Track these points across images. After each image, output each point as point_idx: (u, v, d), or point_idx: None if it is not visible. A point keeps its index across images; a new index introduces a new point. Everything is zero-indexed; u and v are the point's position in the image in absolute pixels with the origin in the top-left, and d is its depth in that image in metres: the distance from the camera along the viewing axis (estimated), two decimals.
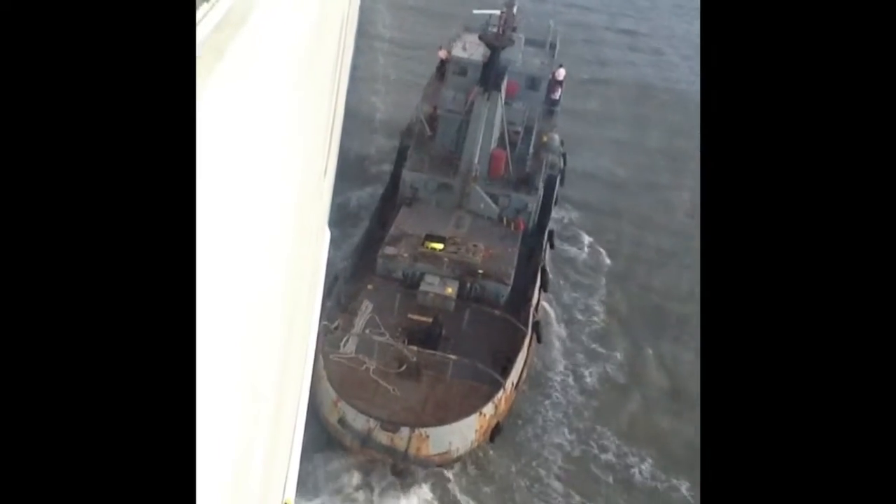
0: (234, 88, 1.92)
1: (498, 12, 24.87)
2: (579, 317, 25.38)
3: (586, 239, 29.68)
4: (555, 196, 27.56)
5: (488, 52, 23.96)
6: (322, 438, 17.38)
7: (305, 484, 16.78)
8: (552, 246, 26.63)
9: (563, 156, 29.25)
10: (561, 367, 22.88)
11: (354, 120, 29.52)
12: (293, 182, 3.76)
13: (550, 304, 25.06)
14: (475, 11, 26.38)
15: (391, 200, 25.65)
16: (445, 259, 22.29)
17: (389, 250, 22.46)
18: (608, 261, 28.62)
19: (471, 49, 26.53)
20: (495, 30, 24.71)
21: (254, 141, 2.29)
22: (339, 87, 7.30)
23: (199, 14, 1.81)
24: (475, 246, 23.19)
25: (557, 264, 27.42)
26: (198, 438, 1.45)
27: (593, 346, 24.06)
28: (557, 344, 23.63)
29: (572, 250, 28.99)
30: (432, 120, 26.85)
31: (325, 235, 8.86)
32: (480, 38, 24.63)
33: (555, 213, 28.19)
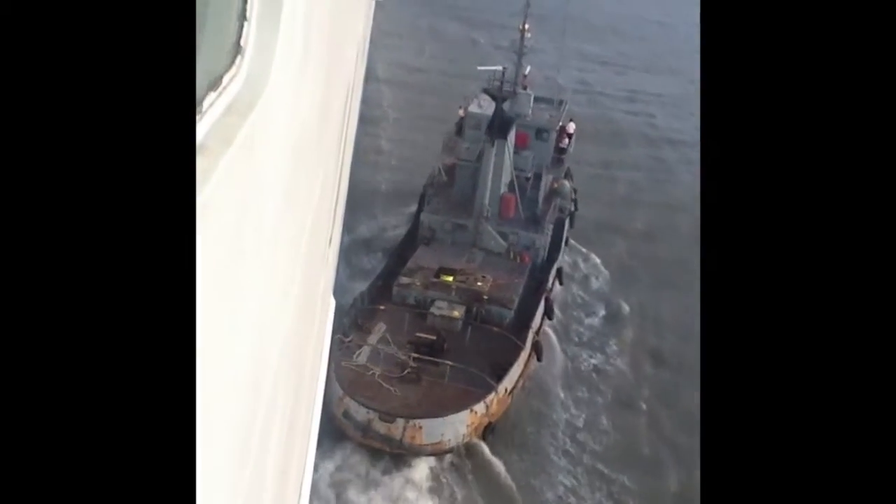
0: (242, 171, 1.99)
1: (501, 68, 27.93)
2: None
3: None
4: (564, 236, 29.91)
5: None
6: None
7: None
8: (561, 282, 28.76)
9: (574, 201, 31.71)
10: None
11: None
12: (300, 253, 3.82)
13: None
14: (479, 68, 29.54)
15: (411, 240, 28.40)
16: (454, 287, 24.74)
17: (404, 280, 25.08)
18: None
19: (485, 106, 29.53)
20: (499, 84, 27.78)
21: (264, 217, 2.41)
22: (343, 157, 7.42)
23: (206, 102, 1.90)
24: (483, 277, 25.59)
25: None
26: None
27: None
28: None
29: None
30: (451, 170, 29.85)
31: (331, 303, 9.28)
32: (485, 91, 27.73)
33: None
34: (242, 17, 2.09)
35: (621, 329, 27.37)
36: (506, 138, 27.35)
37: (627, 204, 37.29)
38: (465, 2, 79.68)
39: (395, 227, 31.84)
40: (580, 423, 22.72)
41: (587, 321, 27.95)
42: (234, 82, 2.05)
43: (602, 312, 28.38)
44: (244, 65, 2.11)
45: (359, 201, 26.82)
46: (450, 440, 19.94)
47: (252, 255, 2.17)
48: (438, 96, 44.74)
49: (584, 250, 31.88)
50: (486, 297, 24.50)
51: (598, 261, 31.37)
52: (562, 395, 23.83)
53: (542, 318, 25.43)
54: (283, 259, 2.99)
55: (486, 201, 27.50)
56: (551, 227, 28.77)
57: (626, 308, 28.31)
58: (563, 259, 30.21)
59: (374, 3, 11.15)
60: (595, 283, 30.20)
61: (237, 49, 2.09)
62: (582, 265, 31.22)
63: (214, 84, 1.92)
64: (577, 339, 26.79)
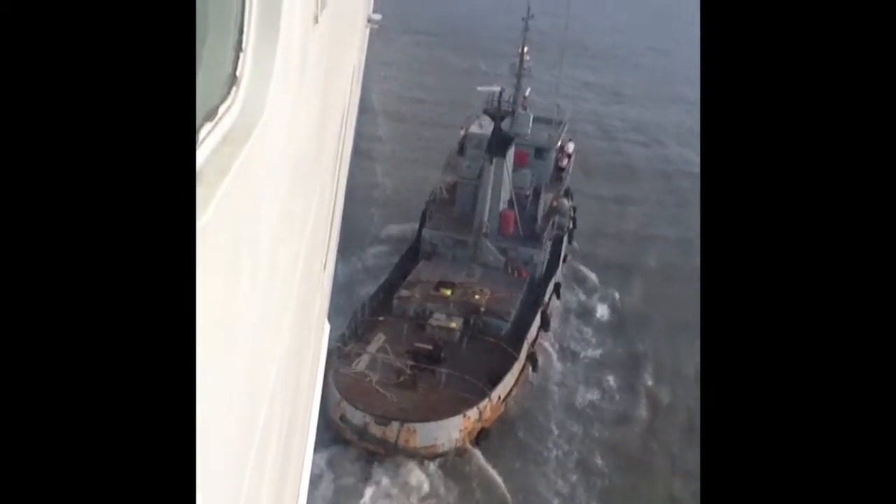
0: (238, 200, 1.96)
1: (499, 89, 28.75)
2: None
3: None
4: (562, 252, 30.50)
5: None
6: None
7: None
8: (559, 296, 29.27)
9: (574, 219, 32.38)
10: None
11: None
12: (295, 279, 3.81)
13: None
14: (479, 88, 30.39)
15: (413, 255, 29.01)
16: (452, 300, 25.30)
17: (404, 293, 25.68)
18: None
19: (486, 126, 30.30)
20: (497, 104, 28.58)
21: (259, 245, 2.35)
22: (338, 183, 7.45)
23: (202, 132, 1.82)
24: (482, 290, 26.14)
25: None
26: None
27: None
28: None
29: None
30: (452, 188, 30.57)
31: (325, 327, 9.30)
32: (485, 111, 28.53)
33: None
34: (238, 47, 2.13)
35: (632, 368, 26.86)
36: (504, 156, 28.06)
37: (639, 239, 36.67)
38: (463, 31, 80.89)
39: (386, 254, 31.64)
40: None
41: (589, 355, 27.48)
42: (230, 112, 2.07)
43: (608, 349, 27.89)
44: (240, 95, 2.14)
45: (352, 235, 26.57)
46: (443, 444, 20.39)
47: (248, 281, 2.20)
48: (435, 127, 44.51)
49: (594, 278, 31.82)
50: (483, 309, 25.03)
51: (601, 287, 31.27)
52: (555, 431, 23.29)
53: (539, 331, 25.94)
54: (279, 284, 3.02)
55: (486, 217, 28.14)
56: (550, 243, 29.36)
57: (639, 346, 27.88)
58: (579, 297, 30.78)
59: (368, 31, 11.44)
60: (603, 317, 29.88)
61: (233, 80, 2.12)
62: (588, 298, 30.85)
63: (210, 115, 1.94)
64: (580, 375, 26.25)
